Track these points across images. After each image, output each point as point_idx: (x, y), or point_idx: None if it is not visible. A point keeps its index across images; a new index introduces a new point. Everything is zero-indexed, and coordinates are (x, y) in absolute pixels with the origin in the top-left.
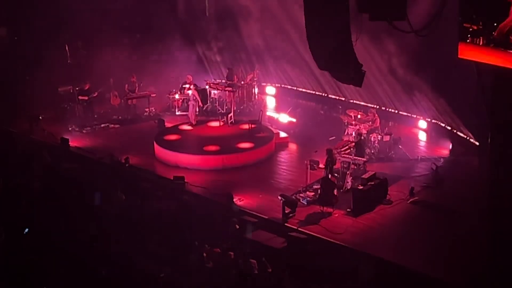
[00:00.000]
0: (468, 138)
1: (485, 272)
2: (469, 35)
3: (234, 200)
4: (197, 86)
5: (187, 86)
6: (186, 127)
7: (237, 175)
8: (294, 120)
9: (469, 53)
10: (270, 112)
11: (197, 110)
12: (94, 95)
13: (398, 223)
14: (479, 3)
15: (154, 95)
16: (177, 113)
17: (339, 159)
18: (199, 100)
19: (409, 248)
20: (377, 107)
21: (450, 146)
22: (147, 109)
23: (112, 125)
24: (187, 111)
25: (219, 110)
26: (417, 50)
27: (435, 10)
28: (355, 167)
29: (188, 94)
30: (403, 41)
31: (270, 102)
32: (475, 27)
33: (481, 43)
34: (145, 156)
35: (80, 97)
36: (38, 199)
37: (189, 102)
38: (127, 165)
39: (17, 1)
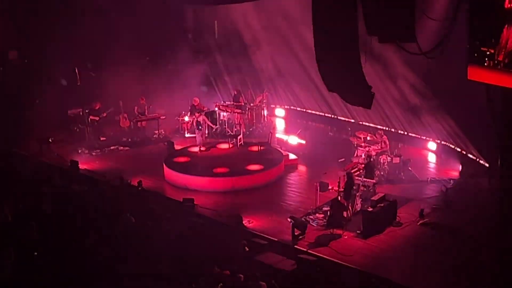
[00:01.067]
0: (477, 159)
1: None
2: (486, 59)
3: (243, 222)
4: (201, 111)
5: (197, 112)
6: (195, 149)
7: (247, 197)
8: (303, 142)
9: (479, 75)
10: (280, 134)
11: (207, 134)
12: (104, 115)
13: (408, 245)
14: (492, 27)
15: (163, 117)
16: (186, 135)
17: (356, 183)
18: (210, 124)
19: (419, 270)
20: (387, 128)
21: (460, 168)
22: (156, 131)
23: (122, 148)
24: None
25: (228, 132)
26: (426, 71)
27: (444, 32)
28: (365, 189)
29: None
30: (412, 62)
31: (279, 124)
32: (492, 51)
33: (501, 66)
34: (155, 178)
35: (91, 118)
36: (48, 222)
37: (197, 132)
38: (140, 188)
39: (27, 24)
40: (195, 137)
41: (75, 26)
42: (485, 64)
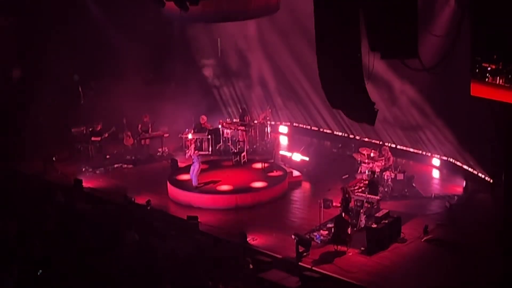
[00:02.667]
0: (481, 175)
1: None
2: (488, 74)
3: (247, 239)
4: (206, 129)
5: (192, 136)
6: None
7: (251, 214)
8: (307, 158)
9: (481, 91)
10: (283, 151)
11: (210, 152)
12: (105, 135)
13: (413, 262)
14: (497, 42)
15: (167, 135)
16: (187, 156)
17: (353, 197)
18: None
19: (423, 287)
20: (390, 145)
21: (464, 184)
22: (160, 149)
23: (125, 165)
24: (200, 151)
25: (232, 149)
26: (429, 87)
27: (447, 48)
28: (369, 205)
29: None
30: (416, 79)
31: (283, 141)
32: (494, 67)
33: (501, 82)
34: (159, 196)
35: (93, 139)
36: (52, 240)
37: (193, 164)
38: (148, 207)
39: (29, 42)
40: (199, 154)
41: (78, 44)
42: (487, 80)
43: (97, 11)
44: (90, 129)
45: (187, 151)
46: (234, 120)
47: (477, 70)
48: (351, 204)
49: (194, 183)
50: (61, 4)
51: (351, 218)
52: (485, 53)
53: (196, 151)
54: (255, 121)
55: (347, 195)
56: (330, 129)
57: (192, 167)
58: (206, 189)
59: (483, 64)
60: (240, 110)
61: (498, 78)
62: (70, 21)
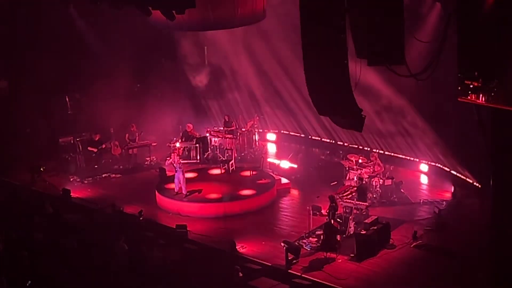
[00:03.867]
0: (470, 180)
1: None
2: (469, 92)
3: (237, 247)
4: (193, 137)
5: (180, 145)
6: (187, 175)
7: (240, 222)
8: (295, 166)
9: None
10: (271, 158)
11: (198, 160)
12: (103, 146)
13: (402, 268)
14: (478, 60)
15: (154, 144)
16: (167, 163)
17: (341, 204)
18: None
19: None
20: (378, 151)
21: (452, 189)
22: (148, 158)
23: (113, 175)
24: (188, 159)
25: (220, 157)
26: (417, 93)
27: (434, 54)
28: (358, 212)
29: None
30: (403, 84)
31: (271, 148)
32: (476, 84)
33: (483, 100)
34: (147, 205)
35: (89, 148)
36: (41, 251)
37: (176, 174)
38: (141, 218)
39: (17, 53)
40: (187, 162)
41: (64, 55)
42: (469, 98)
43: (82, 22)
44: (87, 138)
45: (168, 159)
46: (221, 128)
47: (459, 88)
48: (340, 211)
49: (184, 190)
50: (47, 15)
51: (340, 224)
52: (467, 70)
53: (178, 159)
54: (243, 129)
55: (333, 204)
56: (318, 136)
57: (176, 175)
58: (194, 197)
59: (465, 82)
60: (226, 118)
61: (480, 95)
62: (55, 32)
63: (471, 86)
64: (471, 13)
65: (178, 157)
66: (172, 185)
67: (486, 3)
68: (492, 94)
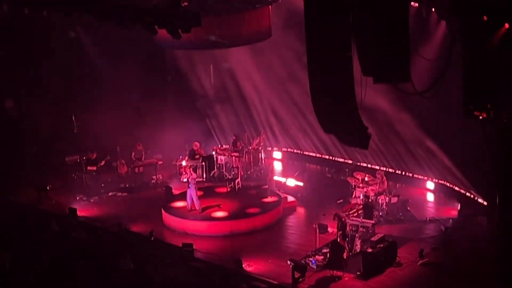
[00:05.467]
0: (476, 198)
1: None
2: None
3: (243, 265)
4: (199, 155)
5: (186, 163)
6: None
7: (246, 240)
8: (301, 184)
9: None
10: (277, 176)
11: (204, 179)
12: (102, 164)
13: (409, 286)
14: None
15: (161, 162)
16: (184, 180)
17: (348, 222)
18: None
19: None
20: (385, 169)
21: (459, 207)
22: (154, 177)
23: (120, 194)
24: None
25: (226, 176)
26: (423, 111)
27: (439, 71)
28: (364, 230)
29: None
30: (409, 102)
31: (277, 166)
32: (485, 115)
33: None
34: (153, 224)
35: (89, 168)
36: (47, 270)
37: (188, 189)
38: (152, 238)
39: (24, 72)
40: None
41: (68, 75)
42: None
43: (89, 41)
44: (85, 158)
45: (184, 175)
46: (228, 147)
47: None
48: (347, 229)
49: (197, 206)
50: (54, 34)
51: (346, 243)
52: (476, 101)
53: (193, 174)
54: (249, 147)
55: (342, 220)
56: (324, 154)
57: (189, 192)
58: (201, 216)
59: (475, 113)
60: (234, 137)
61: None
62: (62, 51)
63: (481, 117)
64: (475, 34)
65: (194, 173)
66: (178, 203)
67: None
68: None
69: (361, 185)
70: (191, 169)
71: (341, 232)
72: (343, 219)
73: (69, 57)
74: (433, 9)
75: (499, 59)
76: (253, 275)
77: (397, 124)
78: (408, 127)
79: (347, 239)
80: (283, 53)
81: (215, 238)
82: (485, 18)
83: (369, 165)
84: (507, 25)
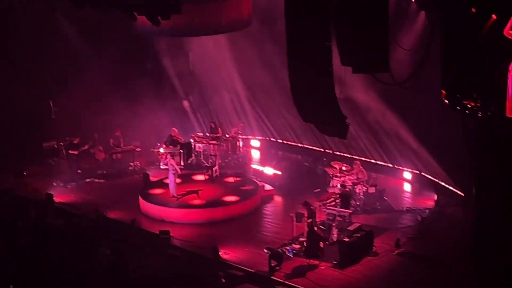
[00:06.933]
0: (453, 188)
1: None
2: (467, 111)
3: (220, 253)
4: (177, 142)
5: (164, 150)
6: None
7: (223, 228)
8: (279, 172)
9: None
10: (255, 165)
11: (182, 165)
12: (85, 148)
13: (385, 275)
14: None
15: (139, 149)
16: (162, 167)
17: (325, 211)
18: (177, 169)
19: None
20: (362, 158)
21: (435, 197)
22: (132, 164)
23: (97, 180)
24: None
25: (204, 163)
26: (401, 101)
27: (418, 62)
28: (341, 219)
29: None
30: (387, 92)
31: (255, 155)
32: (473, 104)
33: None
34: (130, 211)
35: (70, 152)
36: (23, 256)
37: (169, 173)
38: (135, 225)
39: None
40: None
41: (47, 60)
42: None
43: (67, 27)
44: (67, 142)
45: (162, 161)
46: (206, 134)
47: (458, 107)
48: (323, 218)
49: (174, 193)
50: (32, 19)
51: (323, 232)
52: (463, 90)
53: (171, 160)
54: (227, 135)
55: (311, 208)
56: (302, 143)
57: (170, 177)
58: (178, 203)
59: (463, 102)
60: (212, 125)
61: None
62: (40, 36)
63: (469, 106)
64: (459, 26)
65: (172, 159)
66: (156, 191)
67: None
68: (489, 114)
69: (338, 174)
70: (168, 155)
71: (310, 220)
72: (312, 207)
73: (48, 42)
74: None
75: (487, 51)
76: (230, 263)
77: (375, 114)
78: (386, 117)
79: (322, 228)
80: (262, 42)
81: (192, 225)
82: (473, 10)
83: (346, 155)
84: (494, 16)
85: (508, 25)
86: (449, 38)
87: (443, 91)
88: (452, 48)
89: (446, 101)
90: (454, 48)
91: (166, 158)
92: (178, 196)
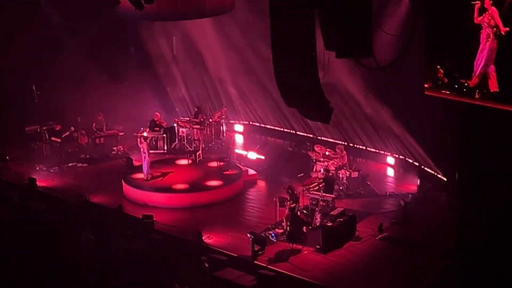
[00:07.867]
0: (436, 174)
1: None
2: (464, 90)
3: (203, 238)
4: (160, 126)
5: (147, 134)
6: (154, 165)
7: (206, 213)
8: (262, 157)
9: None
10: (239, 149)
11: (165, 150)
12: (67, 134)
13: (367, 260)
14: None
15: (122, 133)
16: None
17: (308, 196)
18: (146, 155)
19: (378, 284)
20: (345, 143)
21: (418, 182)
22: (115, 148)
23: (80, 164)
24: (156, 149)
25: (187, 148)
26: (384, 86)
27: (401, 47)
28: (324, 203)
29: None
30: (370, 77)
31: (239, 139)
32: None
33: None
34: (113, 195)
35: (53, 138)
36: (6, 240)
37: (143, 156)
38: (121, 211)
39: None
40: (154, 153)
41: (30, 43)
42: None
43: (50, 11)
44: (50, 127)
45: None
46: (189, 119)
47: (456, 86)
48: (306, 203)
49: (145, 176)
50: (14, 3)
51: (306, 216)
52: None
53: (143, 143)
54: (211, 120)
55: (295, 192)
56: (285, 127)
57: (144, 162)
58: (161, 187)
59: (461, 80)
60: (195, 109)
61: (476, 93)
62: (22, 20)
63: (466, 84)
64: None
65: (144, 142)
66: (139, 175)
67: None
68: (485, 91)
69: (321, 159)
70: (141, 138)
71: (294, 204)
72: (295, 192)
73: (30, 26)
74: None
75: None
76: (213, 247)
77: (358, 100)
78: (369, 102)
79: (305, 212)
80: (246, 26)
81: (175, 210)
82: None
83: (330, 139)
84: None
85: (475, 13)
86: (432, 22)
87: (441, 70)
88: (435, 32)
89: (445, 79)
90: (438, 32)
91: (140, 142)
92: (148, 179)
